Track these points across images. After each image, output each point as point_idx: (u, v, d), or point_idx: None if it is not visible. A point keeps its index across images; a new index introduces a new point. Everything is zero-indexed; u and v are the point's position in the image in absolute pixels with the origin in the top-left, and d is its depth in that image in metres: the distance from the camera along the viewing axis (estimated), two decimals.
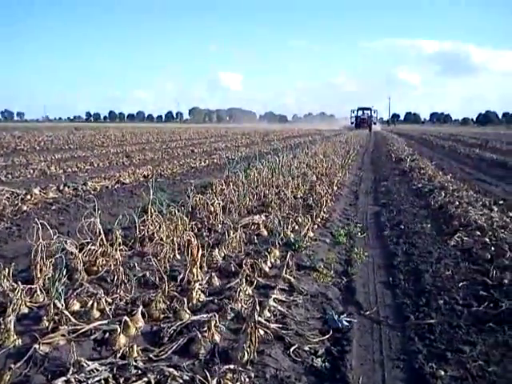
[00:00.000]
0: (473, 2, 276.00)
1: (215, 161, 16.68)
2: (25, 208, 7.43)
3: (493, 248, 5.47)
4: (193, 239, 4.90)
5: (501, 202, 9.01)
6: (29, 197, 7.96)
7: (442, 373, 3.03)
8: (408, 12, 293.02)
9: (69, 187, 9.25)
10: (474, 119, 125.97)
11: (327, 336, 3.65)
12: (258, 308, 3.27)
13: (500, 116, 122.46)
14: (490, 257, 5.27)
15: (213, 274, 4.70)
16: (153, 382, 2.83)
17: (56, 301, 3.62)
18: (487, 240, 5.77)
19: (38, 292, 4.05)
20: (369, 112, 65.20)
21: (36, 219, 4.70)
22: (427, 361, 3.23)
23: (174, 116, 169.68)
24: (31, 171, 12.55)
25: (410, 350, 3.45)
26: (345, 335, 3.69)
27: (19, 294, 3.68)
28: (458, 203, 8.11)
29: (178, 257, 5.30)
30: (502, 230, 6.11)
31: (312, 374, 3.17)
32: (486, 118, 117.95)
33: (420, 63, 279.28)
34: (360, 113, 65.91)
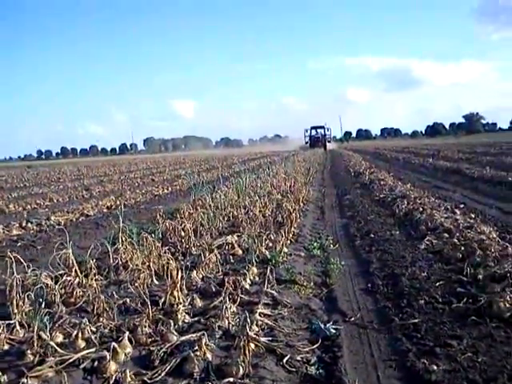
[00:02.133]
0: (412, 17, 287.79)
1: (178, 187, 16.60)
2: None
3: (462, 248, 5.66)
4: (171, 261, 4.88)
5: (461, 205, 9.37)
6: None
7: (435, 367, 3.10)
8: (355, 30, 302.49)
9: (32, 223, 9.01)
10: (423, 132, 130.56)
11: (317, 345, 3.68)
12: (248, 321, 3.28)
13: (447, 127, 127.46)
14: (461, 256, 5.45)
15: (194, 295, 4.67)
16: None
17: (41, 332, 3.50)
18: (456, 241, 5.97)
19: (18, 327, 3.92)
20: (322, 130, 64.32)
21: (9, 254, 4.55)
22: (418, 358, 3.30)
23: (129, 148, 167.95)
24: None
25: (400, 349, 3.52)
26: (334, 342, 3.72)
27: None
28: (421, 209, 8.37)
29: (156, 282, 5.24)
30: (469, 231, 6.34)
31: (308, 381, 3.19)
32: (434, 130, 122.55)
33: (367, 81, 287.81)
34: (314, 132, 65.02)
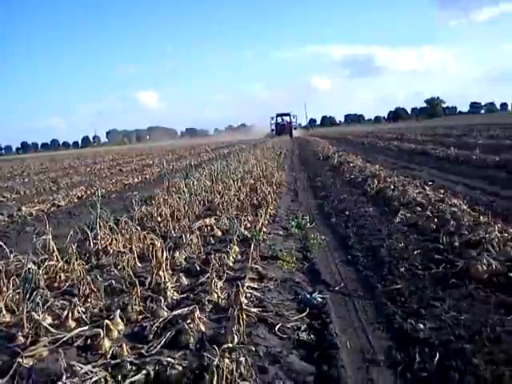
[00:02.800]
0: (374, 4, 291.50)
1: (147, 176, 16.48)
2: None
3: (436, 219, 5.86)
4: (156, 242, 4.90)
5: (430, 183, 9.64)
6: None
7: (422, 326, 3.25)
8: (315, 19, 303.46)
9: (2, 215, 8.83)
10: (386, 117, 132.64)
11: (305, 313, 3.77)
12: (241, 290, 3.35)
13: (409, 111, 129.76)
14: (435, 227, 5.64)
15: (180, 274, 4.71)
16: (152, 373, 2.82)
17: (33, 313, 3.49)
18: (429, 213, 6.17)
19: (4, 312, 3.88)
20: (288, 118, 63.74)
21: None
22: (404, 319, 3.44)
23: (92, 140, 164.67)
24: None
25: (386, 313, 3.66)
26: (321, 310, 3.83)
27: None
28: (393, 187, 8.57)
29: (139, 264, 5.24)
30: (440, 204, 6.56)
31: (301, 347, 3.28)
32: (396, 115, 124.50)
33: (330, 69, 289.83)
34: (279, 119, 64.22)
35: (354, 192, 9.42)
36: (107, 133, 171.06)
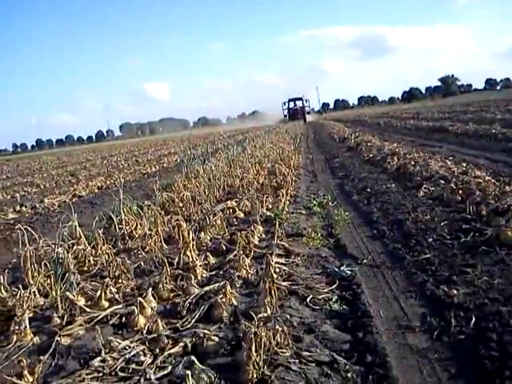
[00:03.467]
0: None
1: (165, 165, 16.53)
2: None
3: (461, 191, 5.79)
4: (182, 223, 4.93)
5: (450, 158, 9.53)
6: None
7: (455, 292, 3.22)
8: (320, 1, 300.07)
9: (26, 207, 8.95)
10: (400, 97, 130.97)
11: (335, 286, 3.78)
12: (272, 263, 3.36)
13: (424, 91, 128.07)
14: (460, 198, 5.58)
15: (207, 253, 4.74)
16: (189, 345, 2.86)
17: (67, 293, 3.55)
18: (453, 186, 6.10)
19: (38, 295, 3.95)
20: (300, 102, 61.31)
21: (19, 226, 4.55)
22: (436, 287, 3.42)
23: (105, 134, 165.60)
24: None
25: (417, 282, 3.65)
26: (351, 282, 3.82)
27: (27, 294, 3.57)
28: (413, 163, 8.50)
29: (165, 246, 5.28)
30: (464, 176, 6.48)
31: (333, 317, 3.29)
32: (410, 95, 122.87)
33: (340, 51, 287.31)
34: (292, 104, 61.64)
35: (374, 170, 9.35)
36: (120, 126, 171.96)
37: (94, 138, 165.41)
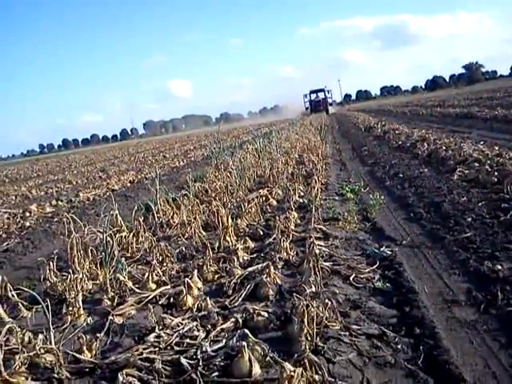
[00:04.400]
0: None
1: (192, 159, 16.71)
2: (28, 224, 7.37)
3: (496, 173, 5.75)
4: (221, 209, 5.03)
5: (481, 142, 9.41)
6: (28, 214, 7.88)
7: (499, 267, 3.24)
8: None
9: (62, 201, 9.18)
10: (423, 86, 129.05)
11: (376, 265, 3.81)
12: (315, 242, 3.42)
13: (447, 79, 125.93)
14: (496, 180, 5.55)
15: (245, 238, 4.82)
16: (240, 320, 2.94)
17: (118, 275, 3.67)
18: (488, 168, 6.06)
19: (86, 280, 4.09)
20: (322, 94, 59.08)
21: (65, 215, 4.71)
22: (479, 263, 3.44)
23: (130, 132, 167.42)
24: (13, 198, 12.33)
25: (459, 259, 3.66)
26: (393, 261, 3.86)
27: (79, 276, 3.71)
28: (445, 148, 8.43)
29: (204, 233, 5.38)
30: (498, 158, 6.43)
31: (378, 294, 3.34)
32: (434, 84, 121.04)
33: (362, 41, 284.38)
34: (314, 96, 59.67)
35: (404, 157, 9.31)
36: (144, 124, 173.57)
37: (118, 136, 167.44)
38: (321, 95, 59.71)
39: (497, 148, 7.84)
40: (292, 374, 1.77)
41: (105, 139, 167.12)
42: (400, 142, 11.31)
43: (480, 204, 4.82)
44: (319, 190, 7.21)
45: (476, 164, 6.48)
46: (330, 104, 60.67)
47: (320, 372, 2.18)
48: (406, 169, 7.86)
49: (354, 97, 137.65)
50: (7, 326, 3.08)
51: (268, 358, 2.49)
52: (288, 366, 1.96)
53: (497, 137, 10.64)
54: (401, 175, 7.38)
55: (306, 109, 60.19)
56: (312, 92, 60.80)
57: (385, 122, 17.94)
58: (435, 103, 32.18)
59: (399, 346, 2.60)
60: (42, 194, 12.83)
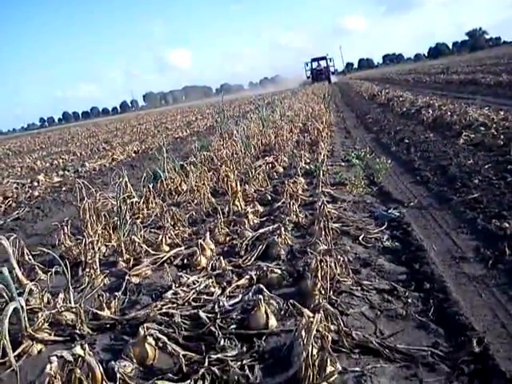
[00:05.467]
0: None
1: (195, 129, 16.68)
2: (36, 193, 7.45)
3: (502, 136, 5.77)
4: (230, 174, 5.08)
5: (486, 107, 9.39)
6: (36, 183, 7.95)
7: (507, 225, 3.30)
8: None
9: (69, 171, 9.25)
10: (426, 54, 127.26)
11: (384, 226, 3.88)
12: (325, 203, 3.49)
13: (450, 46, 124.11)
14: (502, 143, 5.58)
15: (254, 203, 4.89)
16: (254, 277, 3.03)
17: (134, 236, 3.75)
18: (494, 132, 6.08)
19: (99, 244, 4.18)
20: (324, 62, 56.72)
21: (77, 181, 4.78)
22: (487, 222, 3.51)
23: (130, 105, 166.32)
24: (19, 169, 12.39)
25: (466, 219, 3.73)
26: (401, 222, 3.93)
27: (94, 239, 3.80)
28: (450, 113, 8.42)
29: (212, 199, 5.45)
30: (504, 122, 6.44)
31: (387, 252, 3.42)
32: (437, 51, 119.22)
33: (364, 6, 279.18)
34: (315, 64, 57.31)
35: (409, 123, 9.30)
36: (144, 96, 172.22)
37: (118, 109, 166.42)
38: (323, 63, 57.58)
39: (502, 113, 7.83)
40: (311, 320, 1.85)
41: (105, 112, 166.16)
42: (404, 109, 11.27)
43: (486, 166, 4.87)
44: (325, 156, 7.27)
45: (482, 128, 6.50)
46: (333, 73, 58.69)
47: (335, 322, 2.27)
48: (411, 134, 7.87)
49: (356, 65, 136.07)
50: (27, 287, 3.20)
51: (283, 312, 2.59)
52: (307, 311, 2.04)
53: (502, 102, 10.60)
54: (406, 141, 7.40)
55: (308, 78, 58.14)
56: (314, 60, 58.66)
57: (388, 90, 17.82)
58: (438, 70, 31.82)
59: (410, 300, 2.68)
60: (47, 165, 12.86)
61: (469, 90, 15.31)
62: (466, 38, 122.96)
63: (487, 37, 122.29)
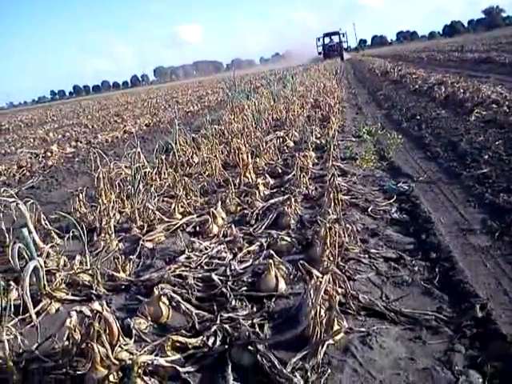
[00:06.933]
0: None
1: (206, 104, 16.67)
2: (50, 163, 7.56)
3: None
4: (241, 146, 5.14)
5: (499, 86, 9.31)
6: (49, 154, 8.06)
7: None
8: None
9: (81, 142, 9.34)
10: (441, 32, 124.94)
11: (393, 199, 3.93)
12: (335, 174, 3.55)
13: (466, 24, 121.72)
14: None
15: (265, 175, 4.95)
16: (265, 244, 3.12)
17: (148, 204, 3.85)
18: (506, 109, 6.07)
19: (111, 213, 4.27)
20: (337, 37, 53.64)
21: (92, 149, 4.86)
22: (495, 196, 3.55)
23: (140, 79, 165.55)
24: (31, 140, 12.51)
25: (475, 193, 3.78)
26: (409, 195, 3.98)
27: (112, 205, 3.90)
28: (462, 91, 8.37)
29: (224, 171, 5.51)
30: None
31: (395, 224, 3.48)
32: (452, 29, 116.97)
33: None
34: (327, 39, 54.32)
35: (422, 100, 9.27)
36: (154, 70, 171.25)
37: (129, 83, 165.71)
38: (335, 39, 54.36)
39: None
40: (320, 279, 1.93)
41: (115, 86, 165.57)
42: (417, 86, 11.20)
43: (497, 143, 4.89)
44: (336, 131, 7.29)
45: (494, 105, 6.49)
46: (345, 49, 55.91)
47: (343, 285, 2.35)
48: (423, 111, 7.86)
49: (369, 42, 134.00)
50: (45, 250, 3.31)
51: (292, 277, 2.68)
52: (316, 272, 2.12)
53: None
54: (418, 117, 7.39)
55: (319, 53, 54.83)
56: (326, 35, 55.40)
57: (401, 67, 17.64)
58: (453, 48, 31.36)
59: (416, 268, 2.76)
60: (60, 136, 12.97)
61: (483, 68, 15.12)
62: (482, 15, 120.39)
63: (504, 15, 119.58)
